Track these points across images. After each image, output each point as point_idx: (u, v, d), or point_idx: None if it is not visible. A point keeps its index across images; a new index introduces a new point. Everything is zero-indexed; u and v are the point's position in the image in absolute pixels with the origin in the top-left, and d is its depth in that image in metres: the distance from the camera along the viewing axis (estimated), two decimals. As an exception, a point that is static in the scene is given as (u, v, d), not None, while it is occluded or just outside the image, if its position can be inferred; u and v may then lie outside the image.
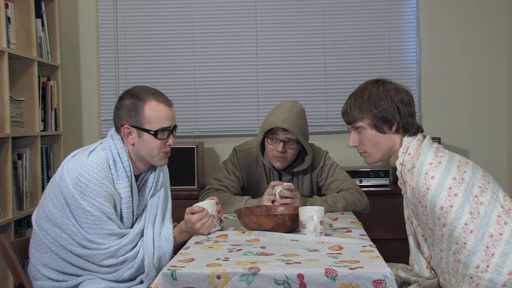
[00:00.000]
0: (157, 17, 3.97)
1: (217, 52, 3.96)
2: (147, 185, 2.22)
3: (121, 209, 2.08)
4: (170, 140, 2.14)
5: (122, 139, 2.12)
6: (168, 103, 2.14)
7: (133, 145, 2.11)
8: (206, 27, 3.96)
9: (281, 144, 2.60)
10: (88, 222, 1.98)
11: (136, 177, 2.19)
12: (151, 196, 2.22)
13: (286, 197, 2.50)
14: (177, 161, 3.48)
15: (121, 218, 2.09)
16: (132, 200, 2.12)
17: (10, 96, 3.06)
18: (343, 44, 3.94)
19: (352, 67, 3.94)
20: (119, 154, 2.08)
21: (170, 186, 2.33)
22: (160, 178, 2.24)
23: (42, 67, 3.54)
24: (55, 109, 3.60)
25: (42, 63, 3.47)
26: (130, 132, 2.10)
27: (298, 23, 3.95)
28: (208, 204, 2.18)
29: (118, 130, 2.14)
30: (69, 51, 3.99)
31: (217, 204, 2.21)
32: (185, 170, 3.55)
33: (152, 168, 2.23)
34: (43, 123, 3.50)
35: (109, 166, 2.05)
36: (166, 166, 2.27)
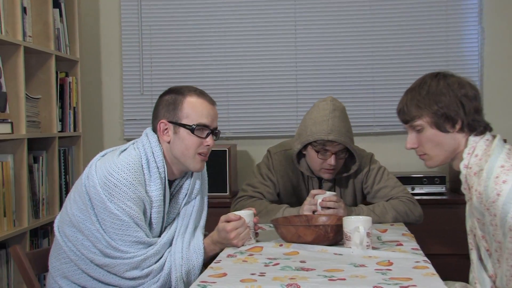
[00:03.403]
0: (186, 7, 4.00)
1: (251, 45, 3.98)
2: (181, 191, 2.24)
3: (150, 215, 2.10)
4: (210, 141, 2.14)
5: (158, 138, 2.14)
6: (211, 100, 2.18)
7: (168, 142, 2.14)
8: (239, 18, 3.98)
9: (333, 157, 2.60)
10: (113, 227, 2.00)
11: (170, 183, 2.21)
12: (185, 204, 2.24)
13: (329, 208, 2.49)
14: (207, 165, 3.44)
15: (150, 225, 2.11)
16: (164, 206, 2.14)
17: (26, 94, 3.12)
18: (392, 34, 3.91)
19: (403, 60, 3.90)
20: (153, 153, 2.10)
21: (199, 192, 2.35)
22: (196, 185, 2.25)
23: (60, 62, 3.58)
24: (74, 107, 3.65)
25: (60, 57, 3.51)
26: (166, 128, 2.13)
27: (342, 11, 3.93)
28: (245, 214, 2.18)
29: (155, 129, 2.17)
30: (89, 44, 4.04)
31: (255, 216, 2.21)
32: (216, 175, 3.56)
33: (189, 175, 2.25)
34: (60, 123, 3.54)
35: (142, 166, 2.07)
36: (205, 171, 2.30)
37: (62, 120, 3.56)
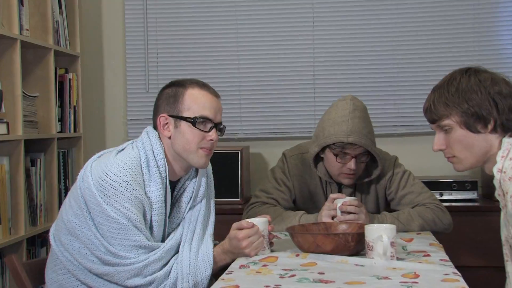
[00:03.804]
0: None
1: (265, 38, 3.99)
2: (185, 194, 2.25)
3: (151, 218, 2.10)
4: (213, 135, 2.15)
5: (159, 135, 2.16)
6: (214, 93, 2.19)
7: (169, 138, 2.15)
8: (253, 9, 3.99)
9: (353, 160, 2.60)
10: (111, 231, 2.01)
11: (173, 184, 2.22)
12: (190, 209, 2.25)
13: (349, 213, 2.49)
14: (217, 168, 3.42)
15: (150, 228, 2.11)
16: (166, 208, 2.15)
17: (23, 92, 3.13)
18: (418, 25, 3.89)
19: (430, 55, 3.89)
20: (153, 152, 2.12)
21: (210, 198, 2.34)
22: (202, 188, 2.26)
23: (59, 57, 3.59)
24: (74, 106, 3.67)
25: (59, 52, 3.53)
26: (167, 123, 2.15)
27: (363, 1, 3.93)
28: (259, 221, 2.19)
29: (155, 126, 2.19)
30: (91, 38, 4.06)
31: (269, 223, 2.22)
32: (227, 180, 3.57)
33: (193, 175, 2.26)
34: (60, 123, 3.56)
35: (141, 166, 2.09)
36: (211, 173, 2.32)
37: (61, 120, 3.58)
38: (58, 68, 3.55)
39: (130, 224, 2.02)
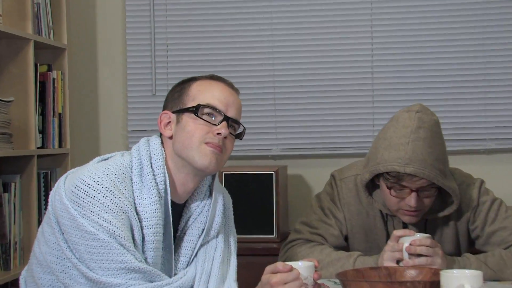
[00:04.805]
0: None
1: (305, 32, 4.06)
2: (195, 225, 2.25)
3: (143, 237, 2.09)
4: (221, 128, 2.15)
5: (162, 143, 2.19)
6: (230, 85, 2.23)
7: (170, 138, 2.18)
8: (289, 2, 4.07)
9: (414, 195, 2.56)
10: (90, 251, 1.99)
11: (178, 208, 2.22)
12: (203, 245, 2.25)
13: (420, 255, 2.46)
14: (245, 195, 3.54)
15: (143, 253, 2.09)
16: (165, 229, 2.14)
17: (-7, 95, 3.18)
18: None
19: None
20: (150, 158, 2.14)
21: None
22: (217, 218, 2.27)
23: (40, 50, 3.61)
24: (60, 114, 3.68)
25: (40, 44, 3.54)
26: (169, 122, 2.20)
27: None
28: (302, 266, 2.16)
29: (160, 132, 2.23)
30: (81, 26, 4.10)
31: (316, 269, 2.18)
32: (258, 210, 3.59)
33: (205, 201, 2.26)
34: (41, 136, 3.57)
35: (131, 172, 2.10)
36: (230, 205, 2.35)
37: (42, 131, 3.60)
38: (38, 65, 3.57)
39: (113, 241, 2.00)
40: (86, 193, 2.01)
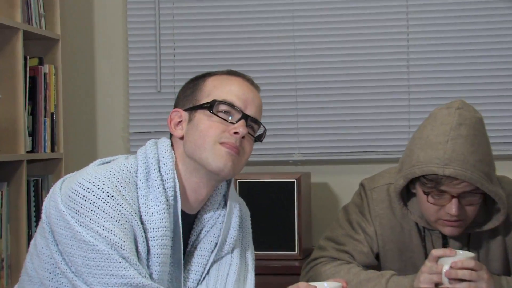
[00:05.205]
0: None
1: (328, 26, 4.11)
2: (207, 239, 2.24)
3: (148, 249, 2.07)
4: (239, 126, 2.14)
5: (172, 145, 2.19)
6: (250, 80, 2.25)
7: (181, 138, 2.19)
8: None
9: (454, 201, 2.52)
10: (88, 265, 1.98)
11: (189, 219, 2.22)
12: (215, 261, 2.24)
13: (462, 280, 2.44)
14: (263, 206, 3.57)
15: (148, 267, 2.08)
16: (174, 241, 2.13)
17: (-23, 92, 3.20)
18: None
19: None
20: (158, 161, 2.13)
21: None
22: (232, 231, 2.26)
23: (30, 41, 3.64)
24: (52, 114, 3.70)
25: (30, 34, 3.56)
26: (180, 121, 2.20)
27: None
28: (327, 287, 2.17)
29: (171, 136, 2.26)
30: (77, 14, 4.11)
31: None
32: (278, 223, 3.60)
33: (219, 212, 2.26)
34: (31, 138, 3.58)
35: (136, 177, 2.09)
36: (248, 216, 2.36)
37: (33, 133, 3.61)
38: (28, 58, 3.58)
39: (114, 253, 1.98)
40: (84, 198, 2.00)
